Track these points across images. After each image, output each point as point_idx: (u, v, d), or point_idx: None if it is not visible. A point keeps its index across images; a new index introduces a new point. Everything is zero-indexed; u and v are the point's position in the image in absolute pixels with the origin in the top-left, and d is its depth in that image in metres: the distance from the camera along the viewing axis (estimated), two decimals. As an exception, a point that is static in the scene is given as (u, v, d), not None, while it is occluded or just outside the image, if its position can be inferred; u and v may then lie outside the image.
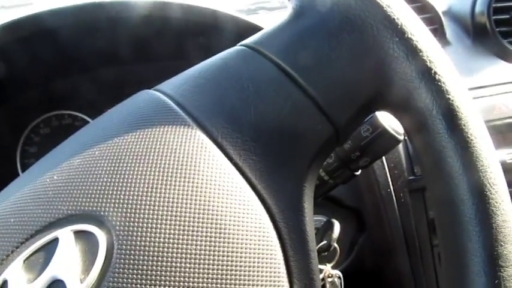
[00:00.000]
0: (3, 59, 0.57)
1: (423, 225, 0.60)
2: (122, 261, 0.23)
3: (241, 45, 0.31)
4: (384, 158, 0.59)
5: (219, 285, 0.24)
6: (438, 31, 0.79)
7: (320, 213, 0.58)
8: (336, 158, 0.42)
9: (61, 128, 0.73)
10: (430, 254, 0.60)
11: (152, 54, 0.64)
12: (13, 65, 0.59)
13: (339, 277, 0.51)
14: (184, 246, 0.24)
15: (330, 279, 0.50)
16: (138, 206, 0.25)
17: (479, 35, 0.79)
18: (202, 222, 0.25)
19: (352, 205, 0.61)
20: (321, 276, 0.49)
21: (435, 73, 0.27)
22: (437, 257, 0.60)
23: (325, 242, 0.47)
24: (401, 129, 0.42)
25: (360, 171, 0.44)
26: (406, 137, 0.49)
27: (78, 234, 0.25)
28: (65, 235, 0.24)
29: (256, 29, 0.55)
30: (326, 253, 0.47)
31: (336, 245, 0.48)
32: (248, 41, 0.31)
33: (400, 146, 0.60)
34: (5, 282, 0.24)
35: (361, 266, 0.61)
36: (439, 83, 0.27)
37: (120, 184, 0.25)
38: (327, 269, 0.50)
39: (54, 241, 0.24)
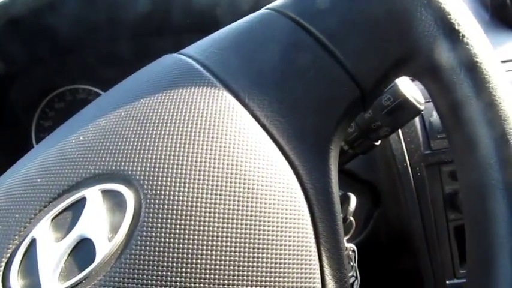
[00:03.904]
0: (16, 32, 0.56)
1: (439, 199, 0.59)
2: (150, 220, 0.23)
3: (267, 8, 0.30)
4: (400, 132, 0.58)
5: (246, 245, 0.24)
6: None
7: (336, 186, 0.58)
8: (356, 128, 0.41)
9: (75, 102, 0.73)
10: (446, 229, 0.60)
11: (170, 26, 0.63)
12: (25, 39, 0.59)
13: (353, 250, 0.51)
14: (212, 206, 0.24)
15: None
16: (166, 166, 0.25)
17: (498, 9, 0.77)
18: (230, 183, 0.25)
19: (368, 179, 0.61)
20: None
21: (463, 36, 0.27)
22: (452, 231, 0.60)
23: (341, 215, 0.47)
24: (422, 99, 0.41)
25: (379, 141, 0.43)
26: (423, 112, 0.48)
27: (105, 193, 0.25)
28: (93, 194, 0.24)
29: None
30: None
31: (351, 218, 0.48)
32: (274, 4, 0.30)
33: (417, 120, 0.59)
34: (33, 240, 0.24)
35: (376, 240, 0.61)
36: (467, 46, 0.27)
37: (148, 144, 0.25)
38: (342, 242, 0.50)
39: (82, 200, 0.25)
